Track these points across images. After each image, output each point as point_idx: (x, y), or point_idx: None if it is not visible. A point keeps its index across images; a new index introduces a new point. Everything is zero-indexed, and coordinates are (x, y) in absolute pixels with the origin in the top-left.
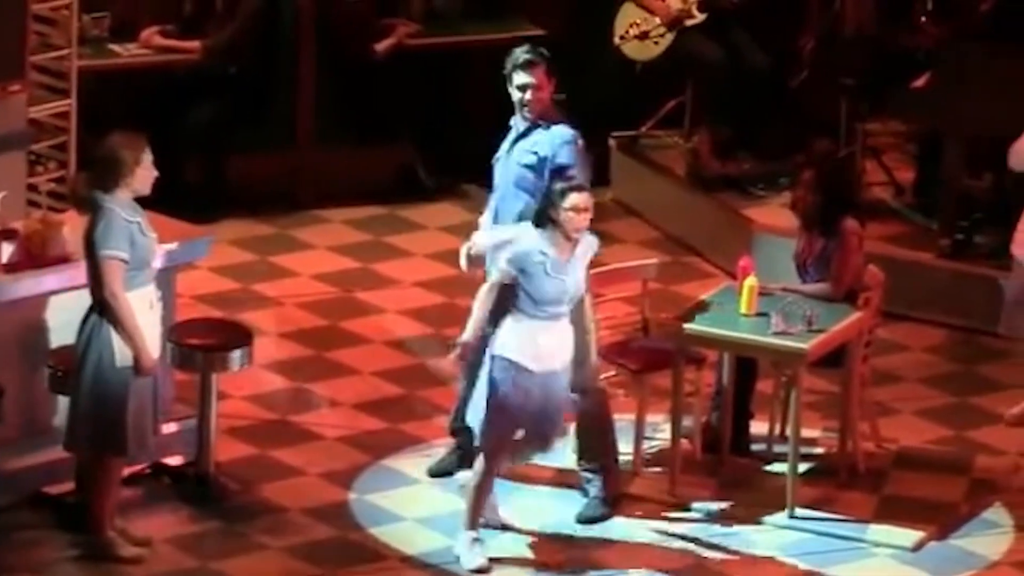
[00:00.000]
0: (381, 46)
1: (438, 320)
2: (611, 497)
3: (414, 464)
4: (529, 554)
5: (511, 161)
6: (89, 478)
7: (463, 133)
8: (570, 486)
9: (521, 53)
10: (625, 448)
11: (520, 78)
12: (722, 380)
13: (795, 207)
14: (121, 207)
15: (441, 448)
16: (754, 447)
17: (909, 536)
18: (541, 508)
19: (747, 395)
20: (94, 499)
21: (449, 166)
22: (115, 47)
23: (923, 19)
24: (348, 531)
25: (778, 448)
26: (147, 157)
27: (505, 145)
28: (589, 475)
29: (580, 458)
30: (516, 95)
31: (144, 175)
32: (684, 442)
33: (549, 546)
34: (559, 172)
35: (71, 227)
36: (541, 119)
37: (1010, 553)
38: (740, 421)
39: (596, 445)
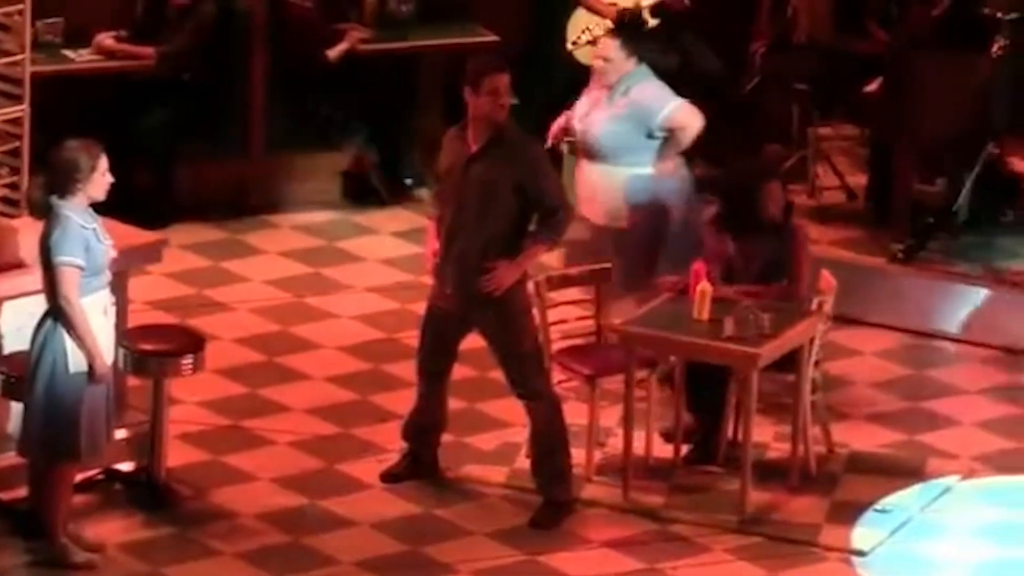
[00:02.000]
0: (333, 52)
1: (391, 325)
2: (564, 502)
3: (367, 469)
4: (482, 559)
5: None
6: (42, 484)
7: (416, 138)
8: (523, 490)
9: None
10: (578, 453)
11: None
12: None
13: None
14: (77, 213)
15: (394, 453)
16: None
17: (861, 540)
18: (494, 511)
19: (720, 403)
20: (47, 505)
21: (402, 171)
22: (69, 53)
23: (875, 25)
24: (301, 536)
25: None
26: (103, 163)
27: None
28: (542, 480)
29: (533, 462)
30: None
31: (100, 182)
32: (636, 448)
33: (502, 550)
34: None
35: (25, 233)
36: None
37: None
38: (710, 429)
39: (549, 450)
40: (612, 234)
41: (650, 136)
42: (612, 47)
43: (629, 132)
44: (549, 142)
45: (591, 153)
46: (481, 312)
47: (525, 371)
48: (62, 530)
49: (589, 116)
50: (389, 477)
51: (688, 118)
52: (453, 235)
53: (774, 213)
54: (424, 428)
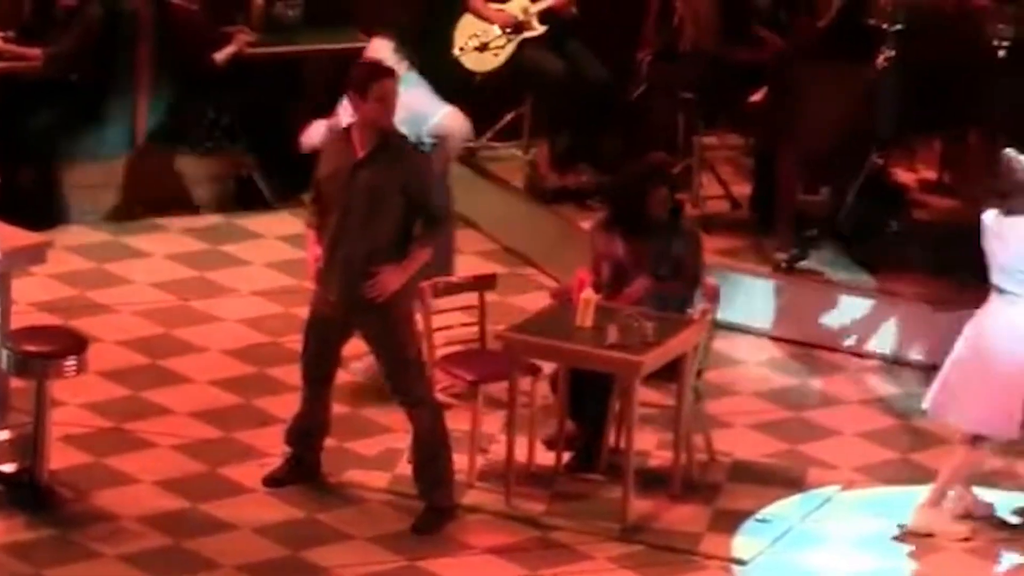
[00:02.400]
0: (220, 55)
1: (275, 329)
2: (445, 508)
3: (249, 473)
4: (364, 563)
5: None
6: None
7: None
8: (405, 495)
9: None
10: (461, 459)
11: None
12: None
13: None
14: None
15: (277, 457)
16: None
17: (742, 549)
18: (376, 517)
19: (602, 411)
20: None
21: (287, 176)
22: None
23: (763, 34)
24: (182, 539)
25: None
26: None
27: None
28: (424, 485)
29: (415, 468)
30: None
31: None
32: (519, 454)
33: (383, 555)
34: None
35: None
36: None
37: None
38: (592, 436)
39: (431, 456)
40: None
41: (419, 143)
42: (386, 50)
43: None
44: (305, 146)
45: None
46: (365, 317)
47: (408, 378)
48: None
49: None
50: (271, 481)
51: (456, 125)
52: (337, 240)
53: (660, 213)
54: (307, 432)
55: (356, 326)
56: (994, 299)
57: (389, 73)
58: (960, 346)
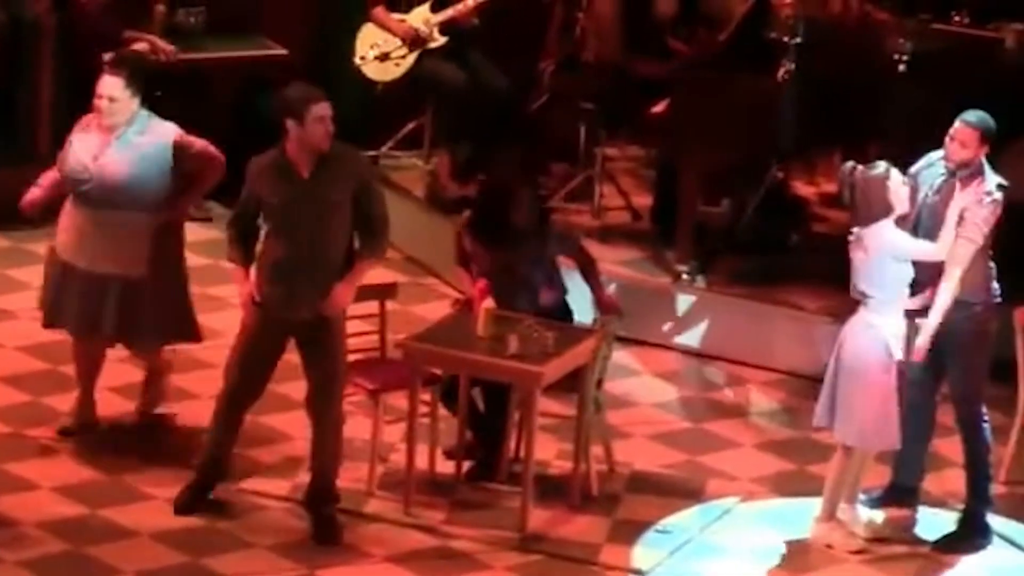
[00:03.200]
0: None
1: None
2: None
3: (150, 480)
4: (264, 571)
5: None
6: None
7: None
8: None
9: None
10: (361, 467)
11: None
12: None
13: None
14: None
15: (173, 464)
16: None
17: (641, 559)
18: (276, 525)
19: (502, 421)
20: None
21: None
22: None
23: (673, 44)
24: (82, 546)
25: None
26: None
27: None
28: (327, 494)
29: (314, 477)
30: None
31: None
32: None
33: (282, 563)
34: None
35: None
36: None
37: None
38: (492, 445)
39: (331, 466)
40: (124, 282)
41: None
42: (118, 86)
43: (152, 173)
44: (26, 207)
45: (110, 199)
46: (312, 334)
47: (334, 391)
48: None
49: (101, 159)
50: (183, 509)
51: (215, 160)
52: (285, 261)
53: (524, 220)
54: (218, 460)
55: (302, 343)
56: (860, 309)
57: (321, 95)
58: (832, 357)
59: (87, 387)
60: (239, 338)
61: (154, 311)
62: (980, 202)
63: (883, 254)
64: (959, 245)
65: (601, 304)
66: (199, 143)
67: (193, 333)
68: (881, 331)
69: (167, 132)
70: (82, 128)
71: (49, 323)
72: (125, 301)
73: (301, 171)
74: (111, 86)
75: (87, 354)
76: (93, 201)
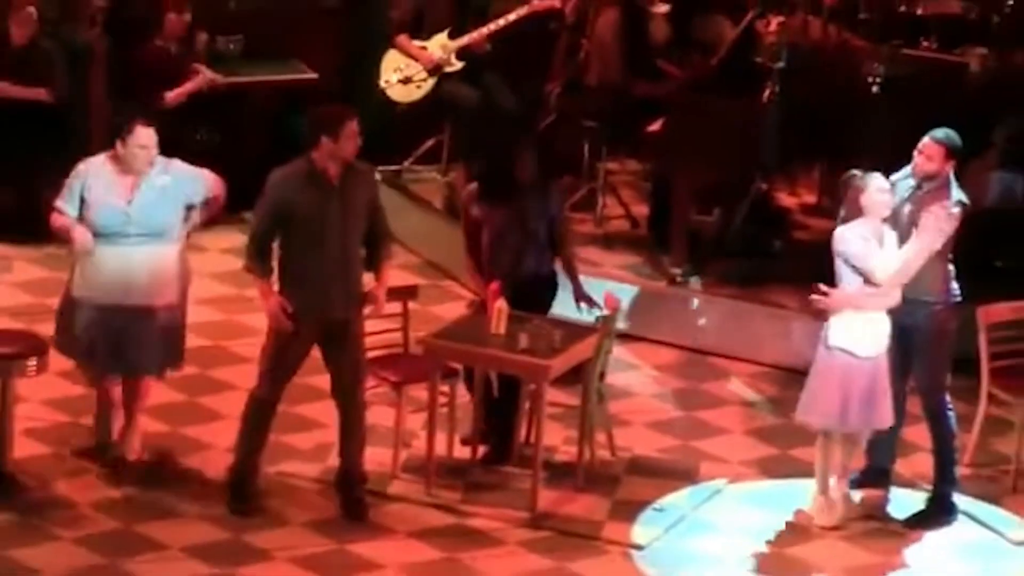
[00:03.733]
0: (173, 93)
1: (219, 333)
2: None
3: (195, 462)
4: (299, 546)
5: None
6: None
7: (243, 168)
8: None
9: None
10: (386, 452)
11: None
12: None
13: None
14: None
15: (221, 451)
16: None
17: (639, 535)
18: (309, 504)
19: (512, 409)
20: None
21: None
22: None
23: (666, 67)
24: (133, 524)
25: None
26: None
27: None
28: (357, 475)
29: (343, 460)
30: None
31: None
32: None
33: (315, 539)
34: None
35: None
36: None
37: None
38: (504, 432)
39: (358, 449)
40: (160, 311)
41: (187, 208)
42: (152, 137)
43: (175, 208)
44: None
45: (144, 235)
46: (342, 331)
47: (359, 381)
48: None
49: (135, 201)
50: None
51: (220, 186)
52: (319, 266)
53: (528, 176)
54: (257, 460)
55: (327, 340)
56: None
57: (351, 112)
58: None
59: (130, 413)
60: (271, 346)
61: (180, 334)
62: (943, 209)
63: (837, 255)
64: (920, 240)
65: (579, 297)
66: (210, 175)
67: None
68: (832, 321)
69: (182, 169)
70: (90, 175)
71: (82, 364)
72: (160, 329)
73: (331, 179)
74: (146, 136)
75: (126, 383)
76: (129, 240)
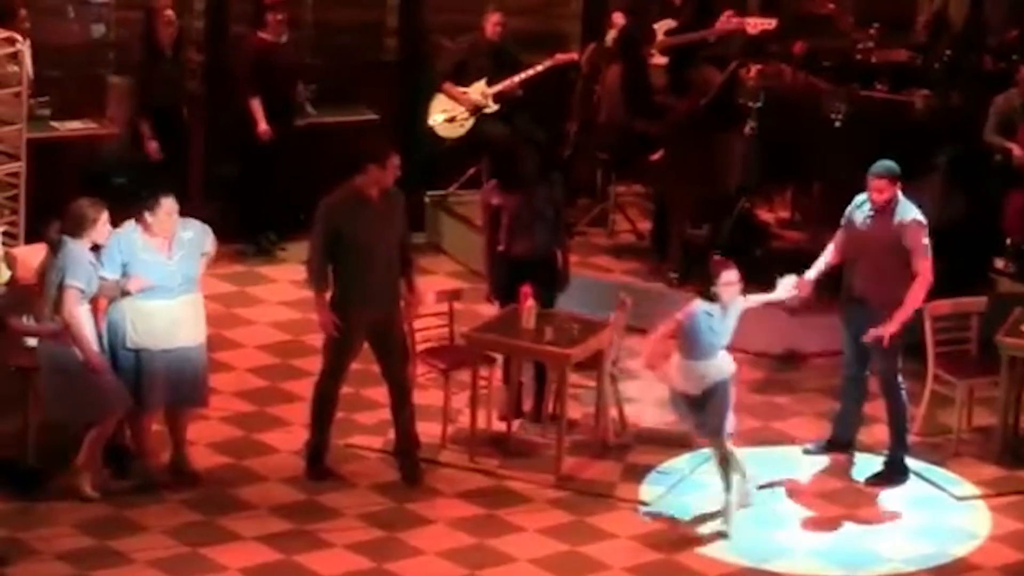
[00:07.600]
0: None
1: (288, 353)
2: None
3: (273, 437)
4: (365, 505)
5: None
6: None
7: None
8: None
9: None
10: (436, 427)
11: None
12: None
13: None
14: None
15: (298, 427)
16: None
17: (646, 493)
18: (374, 470)
19: (542, 389)
20: None
21: (296, 230)
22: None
23: (667, 104)
24: (225, 487)
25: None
26: (104, 216)
27: None
28: (413, 446)
29: (398, 433)
30: None
31: (101, 230)
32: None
33: (379, 499)
34: None
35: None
36: None
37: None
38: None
39: (411, 423)
40: (199, 349)
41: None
42: (176, 205)
43: (199, 258)
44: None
45: (181, 286)
46: (390, 325)
47: (407, 364)
48: None
49: (174, 259)
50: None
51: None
52: (371, 274)
53: (531, 168)
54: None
55: (374, 335)
56: None
57: (394, 145)
58: None
59: (180, 438)
60: (330, 352)
61: (207, 369)
62: (915, 226)
63: None
64: (919, 262)
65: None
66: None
67: None
68: None
69: (194, 224)
70: (123, 240)
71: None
72: (201, 366)
73: (375, 203)
74: (171, 204)
75: (171, 417)
76: (171, 292)
